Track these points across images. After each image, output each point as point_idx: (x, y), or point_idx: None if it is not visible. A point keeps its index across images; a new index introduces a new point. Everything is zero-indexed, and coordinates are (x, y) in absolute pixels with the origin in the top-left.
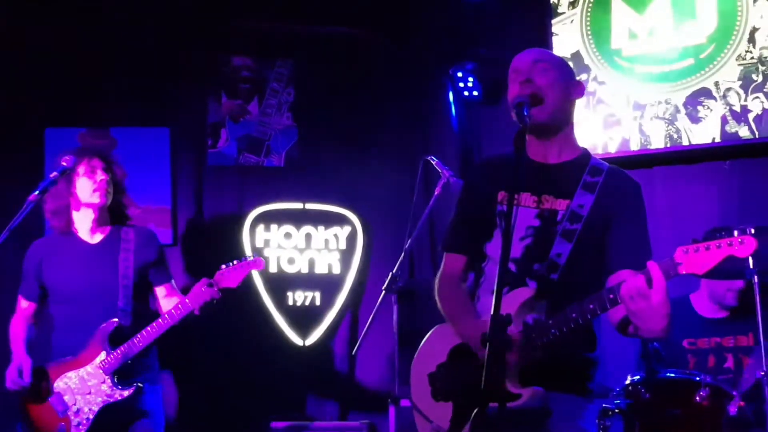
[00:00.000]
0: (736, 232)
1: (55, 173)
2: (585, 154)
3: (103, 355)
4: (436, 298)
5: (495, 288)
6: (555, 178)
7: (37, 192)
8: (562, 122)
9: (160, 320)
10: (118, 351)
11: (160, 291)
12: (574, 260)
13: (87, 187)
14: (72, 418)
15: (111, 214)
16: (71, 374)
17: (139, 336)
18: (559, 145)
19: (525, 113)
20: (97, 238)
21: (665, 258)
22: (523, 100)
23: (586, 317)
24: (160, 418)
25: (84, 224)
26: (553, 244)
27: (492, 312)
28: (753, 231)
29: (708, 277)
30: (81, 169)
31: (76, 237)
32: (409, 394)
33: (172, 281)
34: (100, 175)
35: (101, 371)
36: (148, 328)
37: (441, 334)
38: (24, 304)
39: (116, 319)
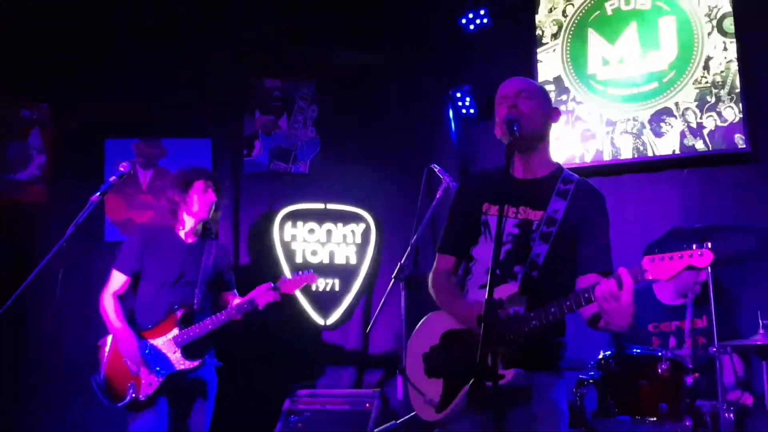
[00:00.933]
0: (695, 246)
1: (114, 177)
2: (559, 168)
3: (175, 331)
4: (431, 290)
5: (489, 278)
6: (532, 192)
7: (98, 193)
8: (539, 141)
9: (229, 311)
10: (190, 330)
11: (226, 294)
12: (551, 260)
13: (198, 202)
14: (143, 378)
15: (203, 226)
16: (147, 342)
17: (209, 320)
18: (537, 162)
19: (515, 128)
20: (190, 239)
21: (633, 265)
22: (513, 118)
23: (564, 312)
24: (214, 387)
25: (184, 229)
26: (530, 248)
27: (486, 297)
28: (710, 245)
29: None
30: (198, 186)
31: (176, 234)
32: (404, 369)
33: (235, 290)
34: (211, 196)
35: (173, 344)
36: (219, 315)
37: (433, 321)
38: (119, 278)
39: (192, 305)
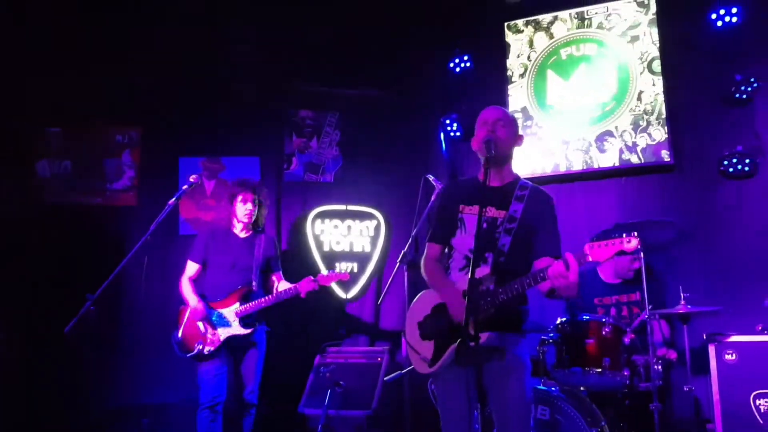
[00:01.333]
0: (624, 234)
1: (186, 186)
2: (517, 178)
3: (237, 305)
4: (423, 273)
5: (471, 265)
6: (494, 196)
7: (174, 198)
8: (508, 158)
9: (279, 294)
10: (249, 304)
11: (275, 275)
12: (513, 248)
13: (241, 210)
14: (209, 337)
15: (254, 223)
16: (215, 312)
17: (264, 299)
18: (503, 174)
19: (491, 149)
20: (243, 235)
21: (578, 250)
22: (490, 139)
23: (524, 287)
24: (263, 347)
25: (237, 227)
26: (497, 239)
27: (469, 276)
28: (636, 234)
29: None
30: (240, 197)
31: (232, 232)
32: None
33: (281, 272)
34: (249, 206)
35: (234, 314)
36: (270, 297)
37: (426, 296)
38: (193, 266)
39: (251, 285)
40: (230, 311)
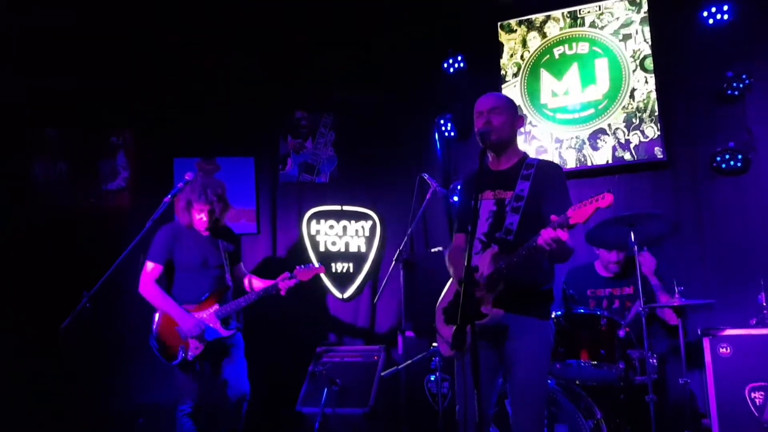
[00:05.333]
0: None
1: (181, 183)
2: (523, 157)
3: (216, 307)
4: (447, 262)
5: (467, 251)
6: (503, 179)
7: (169, 196)
8: (509, 143)
9: (258, 291)
10: (228, 306)
11: (237, 268)
12: (521, 226)
13: (196, 218)
14: (191, 343)
15: (214, 224)
16: (193, 316)
17: (242, 299)
18: (507, 157)
19: (486, 139)
20: (206, 233)
21: (562, 215)
22: (485, 131)
23: (528, 252)
24: (242, 345)
25: (199, 227)
26: (506, 219)
27: (465, 264)
28: (610, 190)
29: (596, 245)
30: (197, 207)
31: (195, 230)
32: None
33: (242, 263)
34: (203, 217)
35: (214, 316)
36: (250, 295)
37: (452, 284)
38: (150, 266)
39: (227, 285)
40: (210, 313)
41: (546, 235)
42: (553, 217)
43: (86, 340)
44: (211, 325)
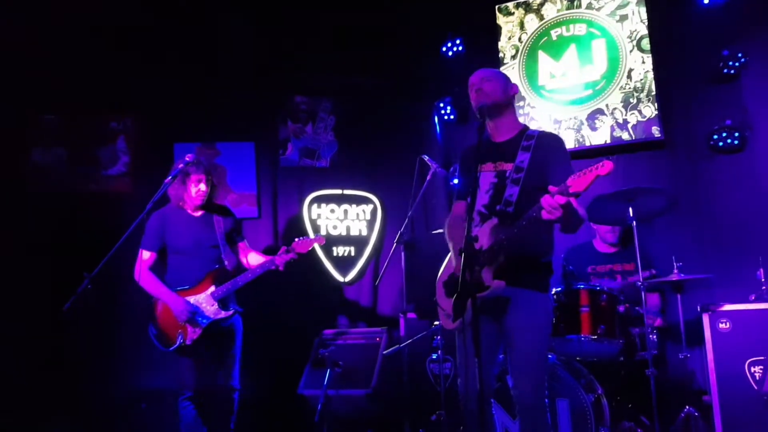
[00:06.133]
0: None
1: (181, 164)
2: (524, 128)
3: (212, 288)
4: (446, 230)
5: (466, 222)
6: (503, 150)
7: (170, 177)
8: (504, 107)
9: (255, 269)
10: (224, 286)
11: (240, 246)
12: (521, 198)
13: (194, 191)
14: (189, 328)
15: (206, 203)
16: (190, 298)
17: (240, 277)
18: (505, 128)
19: (484, 112)
20: (197, 214)
21: (562, 184)
22: (480, 98)
23: (529, 221)
24: (241, 329)
25: (190, 207)
26: (506, 190)
27: (465, 234)
28: (610, 158)
29: (594, 220)
30: (194, 178)
31: (185, 212)
32: (435, 298)
33: (245, 240)
34: (203, 187)
35: (212, 298)
36: (247, 274)
37: (451, 258)
38: (146, 255)
39: (224, 265)
40: (207, 296)
41: (545, 203)
42: (551, 187)
43: (89, 323)
44: (208, 307)
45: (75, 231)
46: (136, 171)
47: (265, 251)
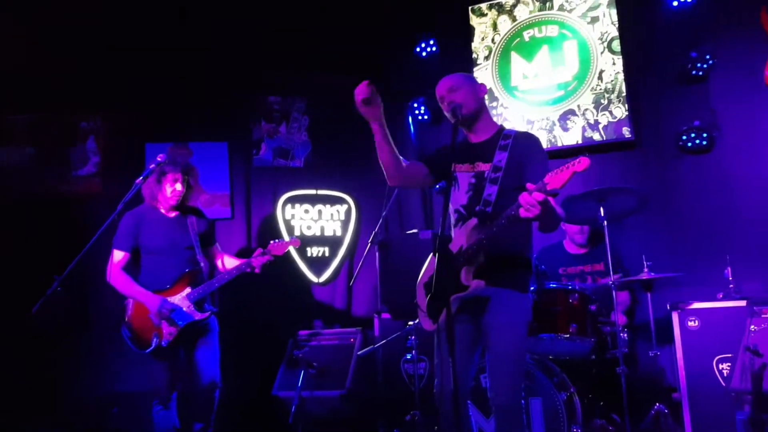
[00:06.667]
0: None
1: (153, 165)
2: (500, 129)
3: (188, 290)
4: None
5: (441, 223)
6: (481, 151)
7: (141, 178)
8: (478, 113)
9: (231, 270)
10: (200, 288)
11: (213, 249)
12: (500, 197)
13: (169, 191)
14: (164, 329)
15: (180, 204)
16: (166, 300)
17: (215, 279)
18: (482, 128)
19: (458, 115)
20: (172, 214)
21: (540, 181)
22: (453, 110)
23: (508, 220)
24: (217, 330)
25: (164, 207)
26: (484, 190)
27: (439, 234)
28: (586, 154)
29: (566, 220)
30: (170, 177)
31: (159, 212)
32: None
33: (217, 244)
34: (179, 187)
35: (187, 300)
36: (223, 275)
37: (432, 259)
38: (119, 255)
39: (199, 266)
40: (182, 297)
41: (523, 200)
42: (529, 184)
43: (58, 325)
44: (184, 308)
45: (44, 232)
46: (107, 171)
47: (239, 252)
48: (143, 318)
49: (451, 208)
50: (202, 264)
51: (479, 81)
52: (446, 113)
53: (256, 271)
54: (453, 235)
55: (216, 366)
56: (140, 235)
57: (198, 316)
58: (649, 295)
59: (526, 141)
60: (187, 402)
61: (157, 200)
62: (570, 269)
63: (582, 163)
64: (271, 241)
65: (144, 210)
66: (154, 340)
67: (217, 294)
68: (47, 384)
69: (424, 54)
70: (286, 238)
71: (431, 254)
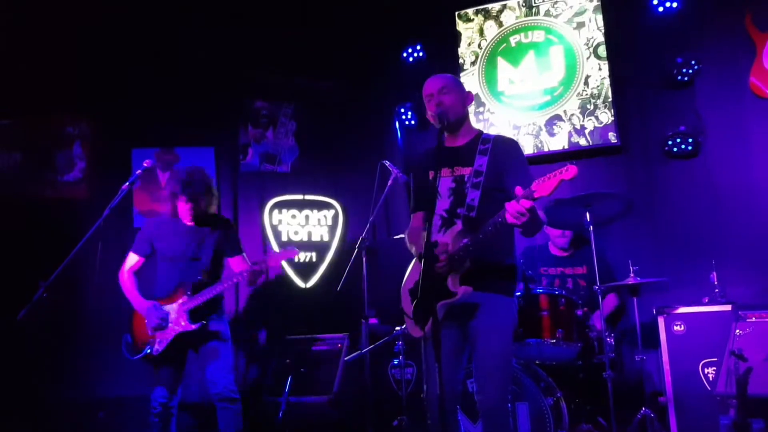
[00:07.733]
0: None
1: (140, 171)
2: (479, 134)
3: (184, 299)
4: (408, 242)
5: (426, 228)
6: (460, 155)
7: (127, 183)
8: (462, 119)
9: (222, 281)
10: (195, 297)
11: (231, 261)
12: (482, 201)
13: (181, 209)
14: (157, 337)
15: (199, 214)
16: (162, 308)
17: (208, 290)
18: (462, 133)
19: (444, 120)
20: (189, 224)
21: (527, 188)
22: (441, 112)
23: (495, 227)
24: (228, 338)
25: (184, 218)
26: (466, 195)
27: (425, 241)
28: (573, 162)
29: (551, 225)
30: (181, 199)
31: (180, 221)
32: (401, 306)
33: (240, 255)
34: (187, 205)
35: (181, 309)
36: (215, 287)
37: (416, 265)
38: (132, 258)
39: (198, 278)
40: (177, 306)
41: (511, 208)
42: (518, 189)
43: (44, 331)
44: (172, 317)
45: (30, 237)
46: (93, 177)
47: None
48: (142, 325)
49: (435, 213)
50: (203, 274)
51: (466, 87)
52: (429, 111)
53: (250, 285)
54: (435, 238)
55: (223, 376)
56: (155, 242)
57: (188, 327)
58: (635, 299)
59: (505, 145)
60: (193, 416)
61: (178, 212)
62: (551, 270)
63: (570, 171)
64: (269, 250)
65: (167, 218)
66: (147, 348)
67: (223, 305)
68: (33, 389)
69: (411, 59)
70: (274, 243)
71: (414, 259)
